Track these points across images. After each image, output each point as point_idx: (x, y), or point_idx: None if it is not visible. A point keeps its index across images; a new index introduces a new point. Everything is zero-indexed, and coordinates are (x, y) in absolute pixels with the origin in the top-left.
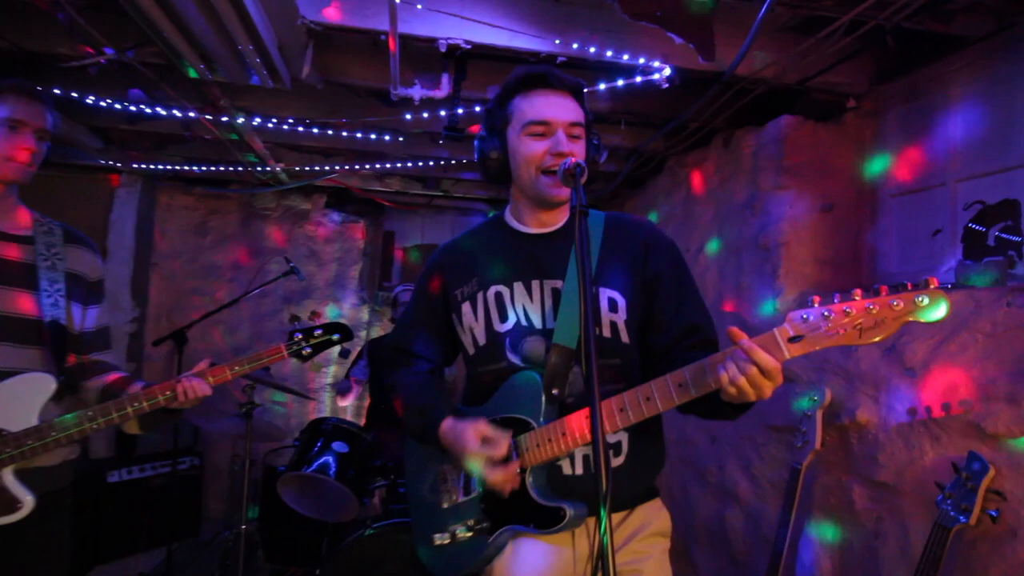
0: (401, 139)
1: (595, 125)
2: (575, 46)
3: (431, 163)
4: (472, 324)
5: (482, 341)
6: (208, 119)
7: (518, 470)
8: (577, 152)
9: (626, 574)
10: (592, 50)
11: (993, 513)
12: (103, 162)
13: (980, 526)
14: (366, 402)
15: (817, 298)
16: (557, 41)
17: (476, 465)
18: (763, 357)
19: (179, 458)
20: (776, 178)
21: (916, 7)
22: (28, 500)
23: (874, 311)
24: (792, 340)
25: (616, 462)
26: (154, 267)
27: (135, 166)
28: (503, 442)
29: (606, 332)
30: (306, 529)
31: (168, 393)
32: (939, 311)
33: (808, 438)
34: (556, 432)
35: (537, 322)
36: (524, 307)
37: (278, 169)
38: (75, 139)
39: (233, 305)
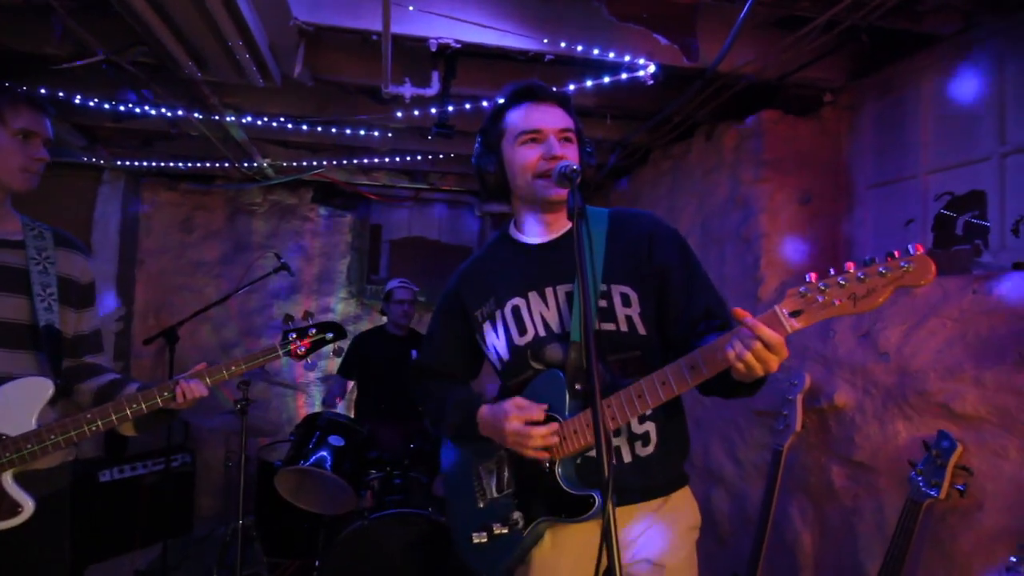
0: (390, 134)
1: (582, 119)
2: (563, 45)
3: (419, 157)
4: (495, 342)
5: (506, 357)
6: (197, 117)
7: (554, 433)
8: (570, 154)
9: (655, 565)
10: (579, 48)
11: (961, 488)
12: (86, 159)
13: (949, 500)
14: (354, 395)
15: (814, 274)
16: (545, 40)
17: (515, 432)
18: (766, 332)
19: (171, 456)
20: (756, 171)
21: (888, 8)
22: (29, 504)
23: (865, 280)
24: (793, 314)
25: (646, 451)
26: (140, 264)
27: (118, 163)
28: (538, 407)
29: (623, 327)
30: (303, 522)
31: (166, 394)
32: (926, 274)
33: (789, 421)
34: (581, 424)
35: (556, 327)
36: (541, 314)
37: (264, 164)
38: (59, 137)
39: (223, 302)
